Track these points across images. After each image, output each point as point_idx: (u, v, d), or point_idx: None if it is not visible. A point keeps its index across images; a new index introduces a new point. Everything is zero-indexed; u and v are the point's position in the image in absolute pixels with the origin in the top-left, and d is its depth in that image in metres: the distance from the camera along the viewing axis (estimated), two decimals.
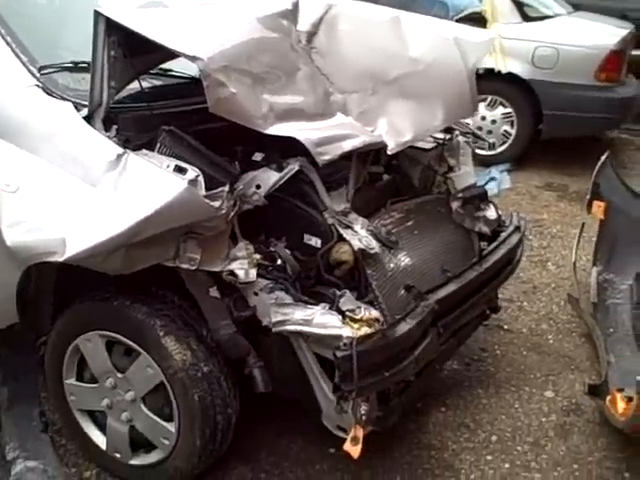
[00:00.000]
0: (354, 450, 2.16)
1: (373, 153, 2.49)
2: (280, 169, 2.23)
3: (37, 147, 2.20)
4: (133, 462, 2.41)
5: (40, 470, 2.38)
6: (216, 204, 2.03)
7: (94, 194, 2.08)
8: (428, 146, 2.89)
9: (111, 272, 2.15)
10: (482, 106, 5.89)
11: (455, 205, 2.80)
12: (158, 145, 2.13)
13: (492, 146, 5.99)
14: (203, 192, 2.02)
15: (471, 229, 2.84)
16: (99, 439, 2.45)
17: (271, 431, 2.70)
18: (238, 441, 2.50)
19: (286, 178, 2.22)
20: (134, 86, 2.34)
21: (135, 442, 2.39)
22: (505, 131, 5.98)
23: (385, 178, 2.72)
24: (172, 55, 2.23)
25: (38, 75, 2.28)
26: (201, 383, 2.21)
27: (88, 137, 2.14)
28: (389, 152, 2.43)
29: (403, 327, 2.21)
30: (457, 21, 5.54)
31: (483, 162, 5.91)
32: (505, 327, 3.54)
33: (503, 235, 2.94)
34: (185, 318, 2.26)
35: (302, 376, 2.23)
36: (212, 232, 2.11)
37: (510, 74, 5.80)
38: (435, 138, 2.91)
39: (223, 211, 2.05)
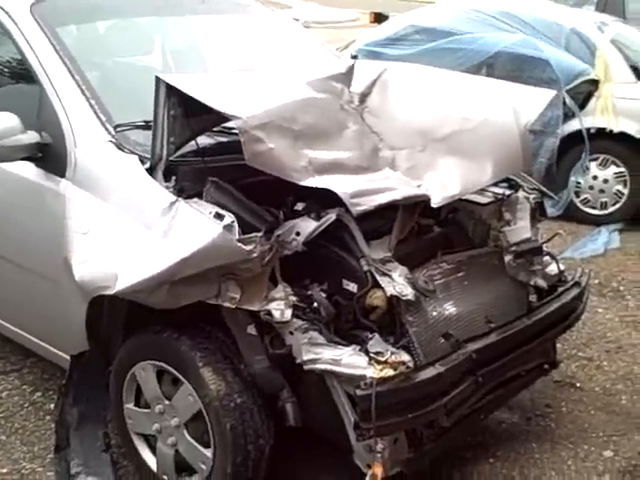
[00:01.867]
0: None
1: (422, 206, 2.62)
2: (318, 218, 2.40)
3: (107, 194, 2.51)
4: None
5: None
6: (248, 248, 2.23)
7: (148, 236, 2.34)
8: (485, 200, 2.97)
9: (157, 306, 2.40)
10: (594, 165, 5.85)
11: (508, 258, 2.86)
12: (204, 194, 2.38)
13: (604, 206, 5.91)
14: (237, 236, 2.23)
15: (526, 282, 2.89)
16: (151, 461, 2.68)
17: (311, 468, 2.81)
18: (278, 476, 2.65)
19: (323, 227, 2.38)
20: (200, 141, 2.62)
21: (180, 466, 2.59)
22: (617, 191, 5.88)
23: (436, 230, 2.83)
24: (225, 118, 2.47)
25: (113, 132, 2.59)
26: (234, 413, 2.39)
27: (148, 186, 2.42)
28: (433, 205, 2.53)
29: (430, 371, 2.32)
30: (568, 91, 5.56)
31: (595, 222, 5.86)
32: (577, 385, 3.50)
33: (560, 290, 2.97)
34: (224, 352, 2.46)
35: (335, 414, 2.37)
36: (249, 274, 2.31)
37: (622, 133, 5.74)
38: (494, 193, 3.00)
39: (255, 255, 2.24)
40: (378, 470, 2.27)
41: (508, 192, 3.00)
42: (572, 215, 5.82)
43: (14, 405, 3.16)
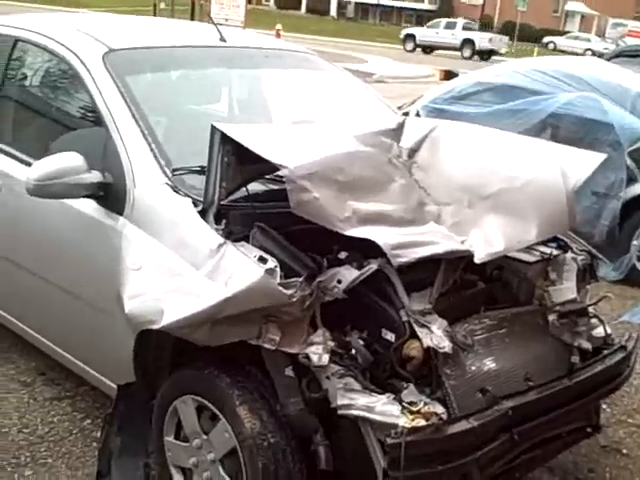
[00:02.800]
0: None
1: (465, 261, 2.67)
2: (360, 267, 2.47)
3: (160, 233, 2.64)
4: None
5: None
6: (289, 292, 2.32)
7: (195, 275, 2.46)
8: (532, 259, 3.00)
9: (200, 343, 2.50)
10: None
11: (552, 317, 2.87)
12: (251, 238, 2.48)
13: None
14: (278, 280, 2.33)
15: (570, 343, 2.89)
16: None
17: None
18: None
19: (364, 276, 2.45)
20: (252, 188, 2.75)
21: None
22: None
23: (480, 286, 2.87)
24: (276, 167, 2.58)
25: (170, 175, 2.74)
26: (267, 452, 2.45)
27: (199, 228, 2.54)
28: (476, 261, 2.58)
29: (463, 425, 2.34)
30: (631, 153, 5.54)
31: None
32: (624, 451, 3.45)
33: (604, 352, 2.95)
34: (261, 391, 2.53)
35: (367, 460, 2.39)
36: (290, 317, 2.39)
37: None
38: (541, 252, 3.03)
39: (295, 299, 2.33)
40: None
41: (556, 252, 3.02)
42: (635, 279, 5.73)
43: (64, 430, 3.28)
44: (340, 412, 2.36)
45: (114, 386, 2.89)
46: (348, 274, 2.45)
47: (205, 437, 2.64)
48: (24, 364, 3.78)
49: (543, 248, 3.01)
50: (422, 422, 2.29)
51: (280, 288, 2.31)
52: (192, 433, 2.68)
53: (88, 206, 2.89)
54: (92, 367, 3.13)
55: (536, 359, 2.76)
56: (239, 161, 2.59)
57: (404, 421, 2.28)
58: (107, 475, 2.81)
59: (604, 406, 3.54)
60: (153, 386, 2.85)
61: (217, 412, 2.57)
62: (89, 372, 3.16)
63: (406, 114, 3.70)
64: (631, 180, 5.59)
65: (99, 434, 2.94)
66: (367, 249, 2.48)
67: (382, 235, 2.44)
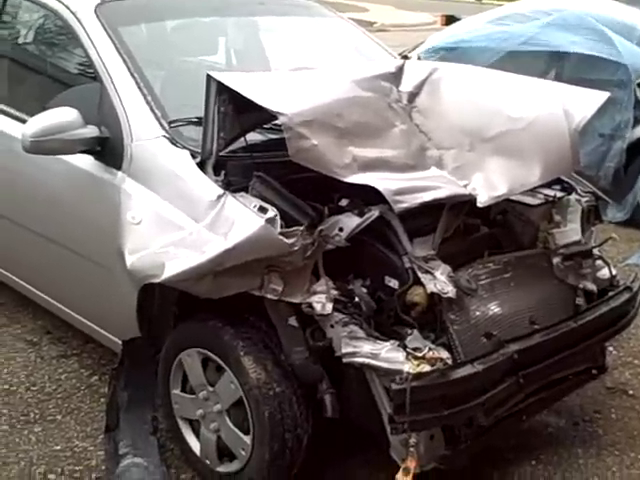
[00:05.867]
0: None
1: (468, 205, 2.63)
2: (362, 215, 2.44)
3: (159, 187, 2.61)
4: (219, 469, 2.68)
5: (143, 467, 2.73)
6: (290, 241, 2.29)
7: (195, 228, 2.43)
8: (535, 202, 2.95)
9: (202, 295, 2.49)
10: None
11: (556, 260, 2.85)
12: (250, 188, 2.45)
13: None
14: (279, 230, 2.30)
15: (575, 285, 2.87)
16: (195, 446, 2.76)
17: (356, 459, 2.86)
18: (321, 465, 2.72)
19: (366, 223, 2.42)
20: (251, 138, 2.71)
21: (221, 451, 2.67)
22: None
23: (483, 231, 2.84)
24: (273, 116, 2.53)
25: (167, 128, 2.70)
26: (272, 401, 2.46)
27: (197, 180, 2.51)
28: (479, 205, 2.54)
29: (468, 369, 2.33)
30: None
31: None
32: (630, 392, 3.44)
33: (609, 294, 2.93)
34: (266, 342, 2.53)
35: (373, 407, 2.40)
36: (291, 267, 2.37)
37: None
38: (545, 194, 2.99)
39: (296, 248, 2.31)
40: (411, 464, 2.29)
41: (559, 194, 2.98)
42: None
43: (72, 387, 3.29)
44: (345, 360, 2.36)
45: (119, 342, 2.89)
46: (349, 222, 2.42)
47: (211, 389, 2.64)
48: (30, 323, 3.79)
49: (546, 190, 2.97)
50: (427, 367, 2.28)
51: (281, 237, 2.29)
52: (198, 385, 2.69)
53: (85, 162, 2.85)
54: (97, 324, 3.14)
55: (541, 302, 2.75)
56: (236, 111, 2.54)
57: (409, 367, 2.27)
58: (115, 429, 2.82)
59: (610, 348, 3.53)
60: (158, 340, 2.85)
61: (222, 364, 2.57)
62: (94, 329, 3.16)
63: (406, 58, 3.62)
64: (637, 121, 5.51)
65: (106, 390, 2.95)
66: (368, 196, 2.44)
67: (383, 181, 2.40)
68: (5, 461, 2.84)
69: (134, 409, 2.85)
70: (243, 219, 2.34)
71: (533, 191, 2.89)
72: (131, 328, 2.81)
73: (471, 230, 2.78)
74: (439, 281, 2.41)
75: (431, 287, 2.38)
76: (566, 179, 3.02)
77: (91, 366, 3.45)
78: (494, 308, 2.58)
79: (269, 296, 2.40)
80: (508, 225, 2.93)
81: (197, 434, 2.76)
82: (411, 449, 2.30)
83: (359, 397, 2.44)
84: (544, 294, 2.78)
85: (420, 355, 2.32)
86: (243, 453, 2.58)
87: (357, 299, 2.44)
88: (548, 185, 2.92)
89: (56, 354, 3.54)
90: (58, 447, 2.92)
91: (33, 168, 3.09)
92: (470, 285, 2.53)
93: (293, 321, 2.46)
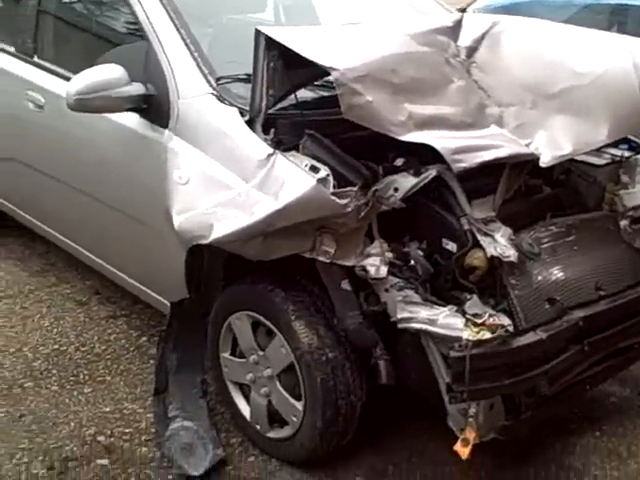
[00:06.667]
0: (462, 451, 2.22)
1: (530, 165, 2.50)
2: (418, 174, 2.33)
3: (206, 146, 2.53)
4: (270, 435, 2.64)
5: (193, 430, 2.69)
6: (343, 202, 2.20)
7: (244, 187, 2.35)
8: (601, 162, 2.81)
9: (252, 257, 2.42)
10: None
11: (624, 223, 2.70)
12: (301, 147, 2.35)
13: None
14: (331, 190, 2.21)
15: None
16: (245, 410, 2.72)
17: (412, 428, 2.79)
18: (376, 433, 2.67)
19: (422, 183, 2.31)
20: (301, 95, 2.61)
21: (272, 416, 2.62)
22: None
23: (546, 192, 2.71)
24: (325, 71, 2.40)
25: (215, 85, 2.61)
26: (325, 367, 2.39)
27: (246, 138, 2.41)
28: (542, 165, 2.42)
29: (531, 337, 2.22)
30: None
31: None
32: None
33: None
34: (318, 306, 2.47)
35: (429, 374, 2.32)
36: (345, 228, 2.29)
37: None
38: (611, 154, 2.84)
39: (350, 209, 2.21)
40: (470, 435, 2.21)
41: (627, 154, 2.82)
42: None
43: (121, 348, 3.28)
44: (400, 326, 2.28)
45: (167, 303, 2.84)
46: (405, 182, 2.32)
47: (261, 353, 2.59)
48: (79, 283, 3.79)
49: (613, 150, 2.81)
50: (487, 334, 2.18)
51: (333, 198, 2.19)
52: (248, 349, 2.64)
53: (132, 120, 2.78)
54: (145, 285, 3.10)
55: (607, 267, 2.60)
56: (286, 66, 2.44)
57: (468, 334, 2.17)
58: (164, 392, 2.78)
59: None
60: (206, 302, 2.79)
61: (272, 328, 2.51)
62: (142, 290, 3.13)
63: (464, 12, 3.45)
64: None
65: (155, 351, 2.91)
66: (425, 155, 2.34)
67: (441, 140, 2.28)
68: (55, 421, 2.84)
69: (183, 372, 2.81)
70: (294, 179, 2.25)
71: (599, 151, 2.74)
72: (179, 289, 2.76)
73: (533, 191, 2.65)
74: (500, 244, 2.29)
75: (491, 250, 2.26)
76: (634, 138, 2.86)
77: (140, 327, 3.44)
78: (557, 273, 2.44)
79: (321, 259, 2.32)
80: (572, 186, 2.78)
81: (247, 398, 2.72)
82: (470, 420, 2.22)
83: (415, 364, 2.36)
84: (610, 259, 2.63)
85: (480, 321, 2.21)
86: (294, 419, 2.53)
87: (413, 262, 2.34)
88: (614, 144, 2.76)
89: (105, 314, 3.53)
90: (107, 409, 2.91)
91: (79, 127, 3.04)
92: (532, 249, 2.41)
93: (346, 285, 2.37)
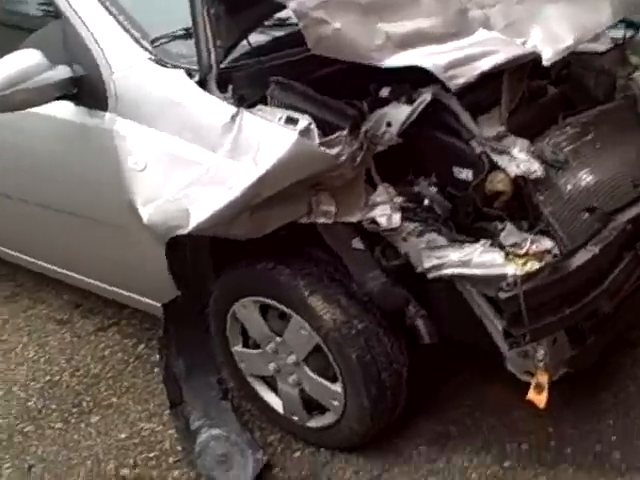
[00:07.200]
0: (539, 399, 1.95)
1: (530, 66, 2.16)
2: (411, 101, 1.99)
3: (156, 120, 2.14)
4: (310, 424, 2.36)
5: (224, 437, 2.39)
6: (334, 151, 1.87)
7: (214, 159, 1.99)
8: (603, 48, 2.50)
9: (242, 237, 2.08)
10: None
11: None
12: (269, 98, 2.00)
13: None
14: (317, 140, 1.86)
15: None
16: (276, 403, 2.43)
17: (459, 380, 2.53)
18: (422, 393, 2.38)
19: (419, 110, 1.98)
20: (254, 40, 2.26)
21: (309, 404, 2.33)
22: None
23: (551, 91, 2.37)
24: (278, 6, 2.03)
25: (150, 48, 2.21)
26: (357, 341, 2.10)
27: (201, 102, 2.05)
28: (545, 63, 2.09)
29: (583, 255, 1.93)
30: None
31: None
32: None
33: None
34: (332, 274, 2.15)
35: (475, 320, 2.02)
36: (341, 181, 1.96)
37: None
38: (613, 38, 2.52)
39: (344, 158, 1.88)
40: (543, 379, 1.94)
41: (630, 33, 2.50)
42: None
43: (119, 362, 2.94)
44: (430, 275, 1.98)
45: (159, 305, 2.49)
46: (397, 113, 1.99)
47: (279, 339, 2.28)
48: (55, 300, 3.39)
49: (611, 33, 2.50)
50: (535, 264, 1.88)
51: (322, 149, 1.86)
52: (262, 338, 2.33)
53: (65, 110, 2.37)
54: (130, 290, 2.73)
55: (637, 159, 2.29)
56: (229, 10, 2.09)
57: (514, 268, 1.87)
58: (180, 403, 2.47)
59: None
60: (201, 295, 2.46)
61: (285, 309, 2.20)
62: (129, 296, 2.76)
63: None
64: None
65: (157, 357, 2.60)
66: (412, 80, 2.01)
67: (429, 57, 1.95)
68: (69, 464, 2.52)
69: (195, 376, 2.49)
70: (270, 137, 1.90)
71: (596, 37, 2.40)
72: (167, 289, 2.41)
73: (537, 94, 2.32)
74: (521, 160, 1.97)
75: (514, 169, 1.95)
76: (630, 18, 2.50)
77: (134, 334, 3.08)
78: (587, 177, 2.12)
79: (322, 221, 2.01)
80: (577, 80, 2.46)
81: (275, 390, 2.42)
82: (539, 363, 1.94)
83: (455, 315, 2.07)
84: (638, 149, 2.32)
85: (522, 251, 1.90)
86: (336, 403, 2.24)
87: (427, 202, 2.02)
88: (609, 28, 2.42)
89: (92, 328, 3.17)
90: (123, 435, 2.59)
91: (7, 132, 2.62)
92: (557, 156, 2.08)
93: (358, 243, 2.06)
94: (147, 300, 2.66)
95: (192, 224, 1.98)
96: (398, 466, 2.28)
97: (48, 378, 2.93)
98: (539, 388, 1.93)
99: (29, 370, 2.99)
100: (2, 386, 2.93)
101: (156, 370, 2.78)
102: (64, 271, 2.98)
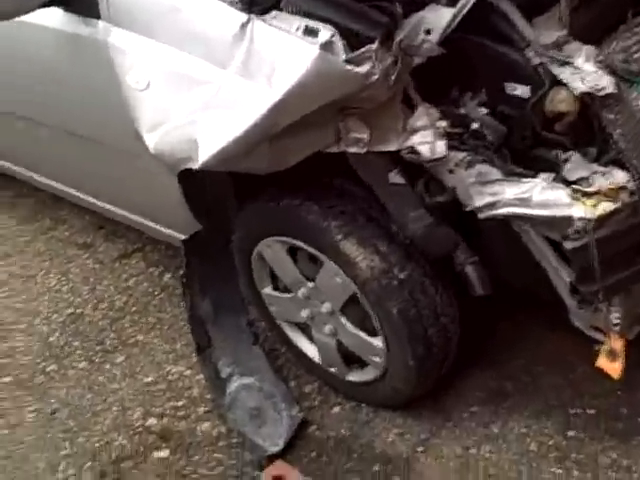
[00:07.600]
0: (612, 368, 1.64)
1: None
2: (453, 2, 1.59)
3: (156, 30, 1.78)
4: (350, 378, 2.09)
5: (256, 387, 2.15)
6: (364, 69, 1.50)
7: (224, 77, 1.64)
8: None
9: (261, 172, 1.76)
10: None
11: None
12: (284, 4, 1.61)
13: None
14: (343, 56, 1.50)
15: None
16: (312, 352, 2.16)
17: (514, 326, 2.22)
18: (472, 342, 2.07)
19: (463, 13, 1.58)
20: None
21: (347, 356, 2.06)
22: None
23: None
24: None
25: None
26: (399, 293, 1.80)
27: (207, 8, 1.68)
28: None
29: None
30: None
31: None
32: None
33: None
34: (368, 213, 1.83)
35: (536, 267, 1.69)
36: (373, 103, 1.62)
37: None
38: None
39: (375, 76, 1.52)
40: (617, 345, 1.62)
41: None
42: None
43: (144, 294, 2.70)
44: (481, 215, 1.64)
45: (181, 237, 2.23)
46: (438, 18, 1.60)
47: (311, 285, 1.99)
48: (78, 221, 3.13)
49: None
50: (610, 206, 1.51)
51: (349, 67, 1.49)
52: (293, 283, 2.04)
53: (55, 18, 2.02)
54: (153, 221, 2.46)
55: None
56: None
57: (583, 211, 1.50)
58: (208, 347, 2.23)
59: None
60: (224, 229, 2.16)
61: (316, 252, 1.89)
62: (152, 227, 2.49)
63: None
64: None
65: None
66: None
67: None
68: (94, 410, 2.33)
69: (223, 317, 2.23)
70: (286, 53, 1.54)
71: None
72: (187, 223, 2.14)
73: None
74: (587, 73, 1.57)
75: (579, 85, 1.54)
76: None
77: (160, 261, 2.82)
78: None
79: (353, 150, 1.69)
80: None
81: (311, 337, 2.15)
82: (615, 327, 1.60)
83: (511, 261, 1.76)
84: None
85: (593, 189, 1.53)
86: (376, 359, 1.96)
87: (476, 125, 1.64)
88: None
89: (116, 254, 2.92)
90: (149, 378, 2.39)
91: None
92: (629, 66, 1.65)
93: (396, 177, 1.73)
94: (172, 232, 2.38)
95: (201, 159, 1.66)
96: (447, 429, 2.01)
97: (70, 311, 2.72)
98: (612, 356, 1.62)
99: (51, 301, 2.78)
100: (25, 318, 2.73)
101: (183, 304, 2.51)
102: (87, 197, 2.71)
